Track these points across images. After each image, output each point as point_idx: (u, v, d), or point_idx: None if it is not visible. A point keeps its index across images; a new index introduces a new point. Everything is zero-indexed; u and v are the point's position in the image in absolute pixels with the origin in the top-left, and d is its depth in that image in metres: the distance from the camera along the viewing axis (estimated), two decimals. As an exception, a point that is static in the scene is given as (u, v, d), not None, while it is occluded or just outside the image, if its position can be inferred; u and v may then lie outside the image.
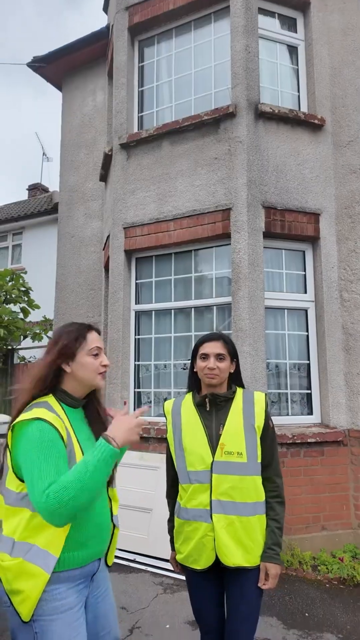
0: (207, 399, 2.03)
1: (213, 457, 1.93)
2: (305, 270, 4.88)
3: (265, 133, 4.72)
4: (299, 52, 5.22)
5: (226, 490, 1.91)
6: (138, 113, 5.61)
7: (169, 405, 2.15)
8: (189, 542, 1.96)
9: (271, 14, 5.21)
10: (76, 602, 1.56)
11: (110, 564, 1.79)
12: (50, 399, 1.64)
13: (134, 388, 5.09)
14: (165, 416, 2.15)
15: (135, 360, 5.13)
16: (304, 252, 4.90)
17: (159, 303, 5.08)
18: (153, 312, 5.13)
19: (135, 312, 5.20)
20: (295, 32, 5.24)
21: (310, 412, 4.69)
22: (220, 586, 2.00)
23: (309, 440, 4.27)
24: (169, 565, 3.93)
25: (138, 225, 5.09)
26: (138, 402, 5.10)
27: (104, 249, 6.08)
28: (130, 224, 5.14)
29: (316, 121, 4.86)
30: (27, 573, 1.49)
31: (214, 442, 1.95)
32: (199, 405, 2.06)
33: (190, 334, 4.86)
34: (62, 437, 1.53)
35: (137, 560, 4.06)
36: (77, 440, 1.63)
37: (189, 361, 2.19)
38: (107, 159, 5.69)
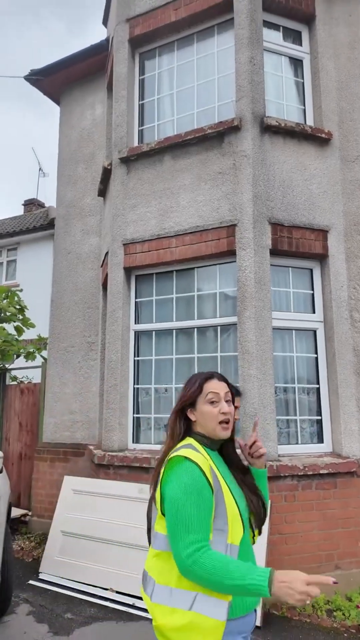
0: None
1: None
2: (313, 289, 4.66)
3: (271, 147, 4.54)
4: (304, 65, 5.07)
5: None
6: (138, 127, 5.43)
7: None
8: None
9: (275, 26, 5.08)
10: None
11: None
12: (191, 441, 1.66)
13: (133, 413, 4.80)
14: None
15: (134, 384, 4.86)
16: (311, 270, 4.68)
17: (160, 323, 4.83)
18: (153, 332, 4.87)
19: (135, 332, 4.94)
20: (300, 45, 5.11)
21: (321, 441, 4.41)
22: None
23: (321, 472, 3.98)
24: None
25: (138, 242, 4.87)
26: (137, 428, 4.81)
27: (102, 266, 5.85)
28: (130, 240, 4.91)
29: (323, 135, 4.69)
30: (199, 628, 1.40)
31: None
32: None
33: (192, 356, 4.60)
34: (209, 482, 1.51)
35: (136, 604, 3.73)
36: (225, 481, 1.61)
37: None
38: (107, 174, 5.50)
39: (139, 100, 5.52)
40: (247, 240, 4.28)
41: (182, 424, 1.72)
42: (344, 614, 3.58)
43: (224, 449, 1.77)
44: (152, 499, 1.66)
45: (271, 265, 4.39)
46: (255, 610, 1.59)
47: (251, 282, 4.20)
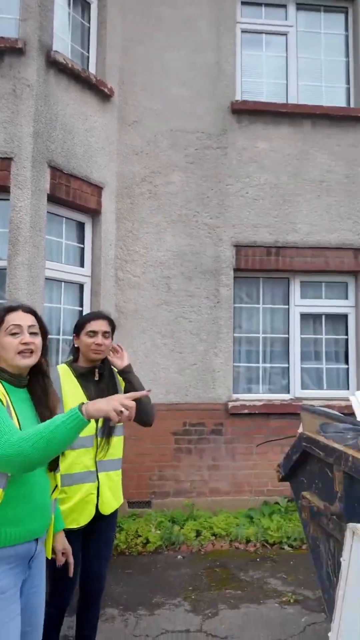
0: (97, 371, 2.27)
1: (97, 423, 2.16)
2: (84, 244, 4.70)
3: (55, 85, 4.26)
4: (92, 10, 4.90)
5: (109, 451, 2.22)
6: None
7: None
8: (66, 503, 2.08)
9: None
10: (11, 586, 1.53)
11: (49, 556, 1.78)
12: None
13: None
14: None
15: None
16: (83, 224, 4.70)
17: None
18: None
19: None
20: (89, -14, 4.90)
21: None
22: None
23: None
24: None
25: None
26: None
27: None
28: None
29: (106, 90, 4.68)
30: None
31: None
32: (82, 376, 2.25)
33: None
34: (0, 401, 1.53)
35: None
36: (17, 415, 1.59)
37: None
38: None
39: None
40: (24, 179, 3.95)
41: None
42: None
43: (32, 387, 1.73)
44: None
45: (47, 212, 4.20)
46: (36, 540, 1.62)
47: (26, 226, 3.92)
